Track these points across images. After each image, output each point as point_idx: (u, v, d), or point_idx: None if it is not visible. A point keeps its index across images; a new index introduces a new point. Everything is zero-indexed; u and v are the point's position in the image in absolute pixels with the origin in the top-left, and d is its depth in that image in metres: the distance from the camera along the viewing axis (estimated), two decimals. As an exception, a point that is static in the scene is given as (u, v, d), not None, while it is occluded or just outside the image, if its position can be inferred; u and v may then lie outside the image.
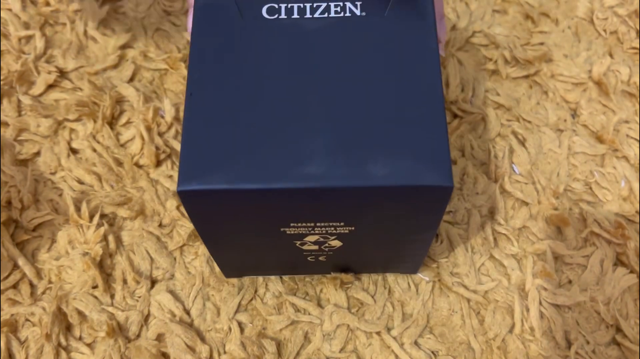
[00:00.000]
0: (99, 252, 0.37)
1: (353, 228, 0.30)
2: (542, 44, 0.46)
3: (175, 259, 0.38)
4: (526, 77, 0.45)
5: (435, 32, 0.29)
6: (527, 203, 0.40)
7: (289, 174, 0.26)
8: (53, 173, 0.41)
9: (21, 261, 0.37)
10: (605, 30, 0.47)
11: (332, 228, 0.30)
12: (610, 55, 0.46)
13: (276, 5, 0.30)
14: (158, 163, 0.41)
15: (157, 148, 0.41)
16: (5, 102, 0.43)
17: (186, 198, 0.26)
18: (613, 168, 0.41)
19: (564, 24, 0.47)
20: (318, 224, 0.29)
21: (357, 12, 0.30)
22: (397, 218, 0.29)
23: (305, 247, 0.32)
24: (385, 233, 0.31)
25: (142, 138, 0.41)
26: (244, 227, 0.30)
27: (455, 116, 0.43)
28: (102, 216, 0.39)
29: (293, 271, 0.37)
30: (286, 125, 0.27)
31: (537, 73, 0.45)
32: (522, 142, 0.42)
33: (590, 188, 0.40)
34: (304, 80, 0.28)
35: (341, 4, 0.30)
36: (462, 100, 0.43)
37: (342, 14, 0.30)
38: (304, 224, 0.29)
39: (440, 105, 0.27)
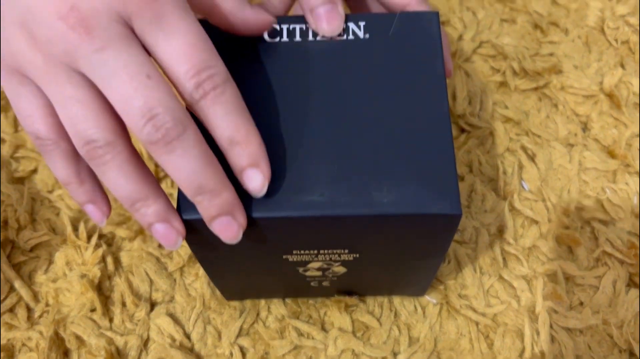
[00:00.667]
0: (97, 274, 0.36)
1: (358, 255, 0.29)
2: (551, 54, 0.45)
3: (175, 280, 0.37)
4: (535, 89, 0.43)
5: (441, 54, 0.28)
6: (537, 222, 0.39)
7: (290, 202, 0.25)
8: (50, 191, 0.40)
9: (18, 284, 0.36)
10: (616, 40, 0.45)
11: (336, 255, 0.29)
12: (622, 66, 0.44)
13: (278, 27, 0.29)
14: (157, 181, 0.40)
15: (157, 165, 0.40)
16: (2, 117, 0.42)
17: (185, 227, 0.25)
18: (625, 184, 0.40)
19: (574, 33, 0.46)
20: (321, 251, 0.28)
21: (361, 34, 0.28)
22: (403, 246, 0.28)
23: (308, 273, 0.31)
24: (391, 259, 0.30)
25: (142, 154, 0.40)
26: (244, 254, 0.29)
27: (462, 130, 0.42)
28: (100, 236, 0.38)
29: (296, 294, 0.36)
30: (288, 152, 0.26)
31: (546, 86, 0.43)
32: (532, 158, 0.41)
33: (602, 205, 0.39)
34: (306, 105, 0.27)
35: (344, 25, 0.29)
36: (469, 114, 0.42)
37: (345, 37, 0.28)
38: (307, 251, 0.28)
39: (447, 130, 0.26)
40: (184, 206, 0.25)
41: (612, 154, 0.41)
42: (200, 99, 0.23)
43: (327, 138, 0.26)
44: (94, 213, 0.26)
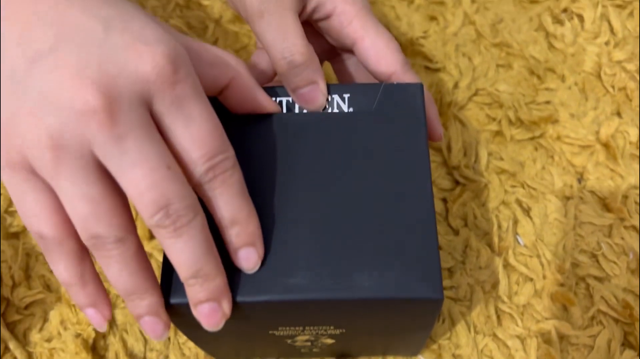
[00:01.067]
0: (91, 334, 0.36)
1: (344, 330, 0.29)
2: (548, 102, 0.45)
3: (169, 339, 0.37)
4: (531, 138, 0.43)
5: (425, 130, 0.28)
6: (531, 279, 0.38)
7: (273, 285, 0.25)
8: (45, 247, 0.40)
9: (12, 345, 0.36)
10: (613, 87, 0.45)
11: (323, 330, 0.29)
12: (619, 114, 0.44)
13: None
14: (151, 236, 0.40)
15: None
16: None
17: (168, 311, 0.25)
18: (621, 239, 0.40)
19: (571, 80, 0.46)
20: (307, 327, 0.28)
21: (345, 107, 0.29)
22: (387, 323, 0.28)
23: (297, 344, 0.31)
24: (378, 332, 0.30)
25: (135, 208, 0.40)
26: (230, 330, 0.29)
27: (457, 183, 0.42)
28: (95, 294, 0.38)
29: (289, 356, 0.36)
30: (269, 233, 0.26)
31: (542, 136, 0.43)
32: (527, 211, 0.41)
33: (597, 261, 0.39)
34: (289, 183, 0.27)
35: (329, 97, 0.29)
36: (464, 166, 0.42)
37: (329, 110, 0.29)
38: (292, 328, 0.28)
39: (431, 211, 0.26)
40: (165, 291, 0.25)
41: (608, 207, 0.41)
42: (209, 181, 0.23)
43: (310, 218, 0.26)
44: (95, 317, 0.25)
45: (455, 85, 0.45)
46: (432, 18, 0.48)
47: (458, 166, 0.42)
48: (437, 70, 0.46)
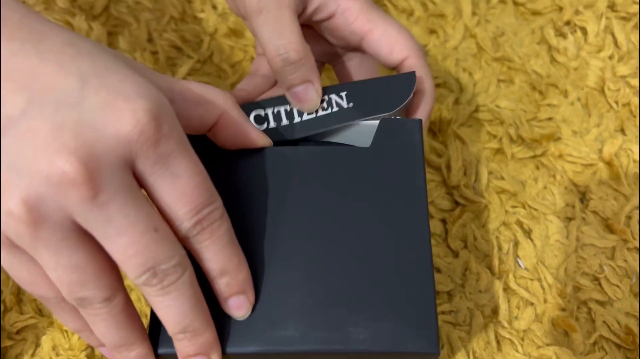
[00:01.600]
0: (83, 361, 0.36)
1: None
2: (550, 119, 0.44)
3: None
4: (533, 157, 0.42)
5: (423, 168, 0.27)
6: (532, 303, 0.38)
7: (265, 337, 0.24)
8: (37, 269, 0.39)
9: (3, 372, 0.36)
10: (617, 102, 0.44)
11: None
12: (622, 131, 0.43)
13: (263, 113, 0.28)
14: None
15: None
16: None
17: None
18: (624, 261, 0.39)
19: (574, 95, 0.45)
20: None
21: (344, 103, 0.28)
22: None
23: None
24: None
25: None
26: None
27: (457, 203, 0.41)
28: (88, 318, 0.37)
29: None
30: (259, 278, 0.25)
31: (544, 154, 0.42)
32: (528, 233, 0.40)
33: (600, 284, 0.38)
34: (278, 224, 0.26)
35: (326, 97, 0.29)
36: (464, 186, 0.41)
37: (329, 110, 0.28)
38: None
39: (428, 258, 0.25)
40: (153, 342, 0.24)
41: (610, 228, 0.40)
42: (196, 235, 0.23)
43: (303, 262, 0.25)
44: (109, 354, 0.25)
45: (456, 101, 0.44)
46: (432, 31, 0.47)
47: (458, 186, 0.41)
48: (437, 85, 0.45)
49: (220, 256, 0.23)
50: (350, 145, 0.29)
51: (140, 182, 0.22)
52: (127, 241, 0.20)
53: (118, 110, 0.20)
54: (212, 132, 0.26)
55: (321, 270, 0.25)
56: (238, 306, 0.24)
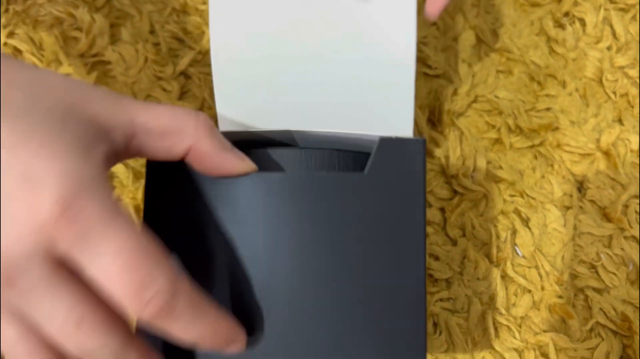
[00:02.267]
0: None
1: None
2: (548, 109, 0.44)
3: None
4: (531, 147, 0.43)
5: (423, 198, 0.25)
6: (529, 290, 0.38)
7: None
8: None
9: None
10: (615, 93, 0.45)
11: None
12: (620, 121, 0.44)
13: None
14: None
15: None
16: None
17: None
18: (620, 249, 0.39)
19: (572, 86, 0.45)
20: None
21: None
22: None
23: None
24: None
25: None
26: None
27: (455, 192, 0.41)
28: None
29: None
30: (246, 311, 0.24)
31: (542, 144, 0.43)
32: (526, 222, 0.40)
33: (597, 272, 0.39)
34: (266, 255, 0.24)
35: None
36: (462, 175, 0.41)
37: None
38: None
39: (422, 293, 0.24)
40: None
41: (608, 217, 0.40)
42: (150, 319, 0.20)
43: (291, 295, 0.24)
44: None
45: (455, 92, 0.45)
46: (432, 22, 0.48)
47: (456, 175, 0.41)
48: (437, 76, 0.45)
49: (191, 330, 0.21)
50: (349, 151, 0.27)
51: (70, 267, 0.20)
52: (52, 333, 0.19)
53: (25, 199, 0.19)
54: (187, 160, 0.24)
55: (311, 302, 0.24)
56: (231, 350, 0.23)
